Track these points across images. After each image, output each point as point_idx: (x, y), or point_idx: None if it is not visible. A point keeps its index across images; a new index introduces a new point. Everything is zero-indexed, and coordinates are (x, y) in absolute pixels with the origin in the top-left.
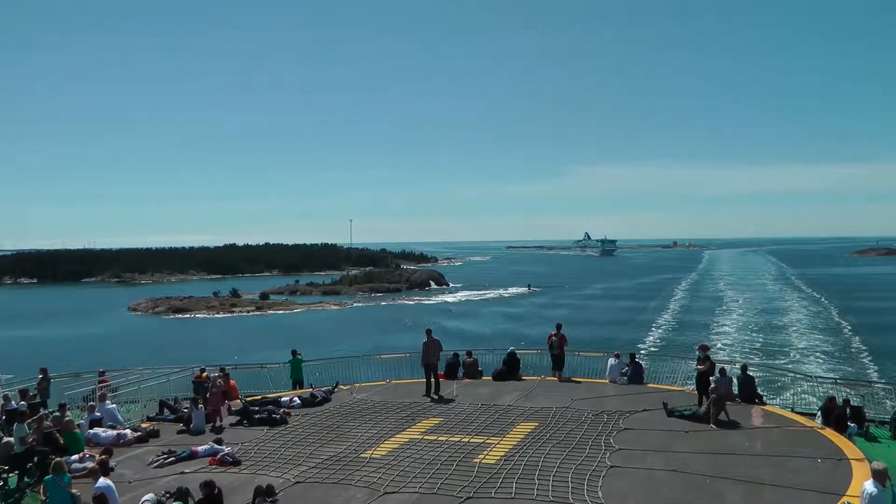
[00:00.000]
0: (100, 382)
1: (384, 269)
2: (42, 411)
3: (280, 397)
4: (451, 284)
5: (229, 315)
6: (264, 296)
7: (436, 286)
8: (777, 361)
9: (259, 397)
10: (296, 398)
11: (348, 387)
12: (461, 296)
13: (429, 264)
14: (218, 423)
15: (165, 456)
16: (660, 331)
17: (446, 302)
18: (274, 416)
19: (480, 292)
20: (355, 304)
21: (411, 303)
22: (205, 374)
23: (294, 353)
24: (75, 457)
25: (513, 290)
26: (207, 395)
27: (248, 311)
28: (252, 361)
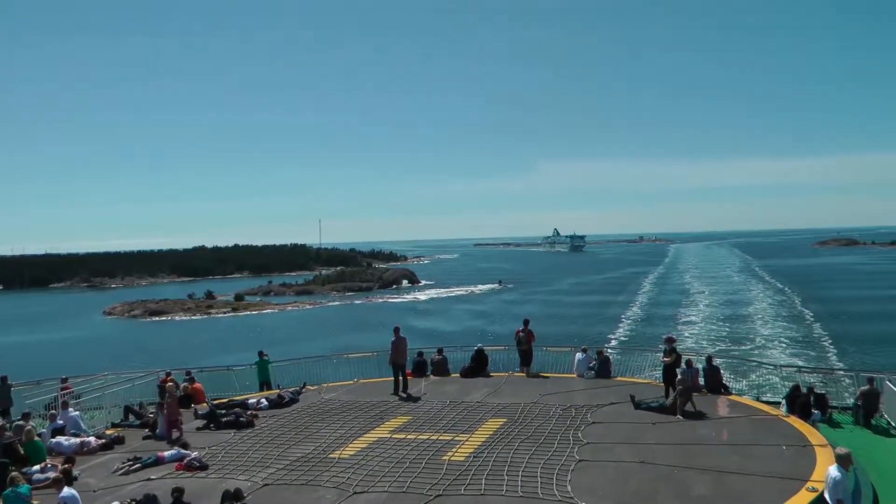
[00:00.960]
0: (62, 389)
1: (356, 269)
2: (1, 421)
3: (247, 399)
4: (422, 282)
5: (206, 317)
6: (239, 297)
7: (408, 284)
8: (742, 351)
9: (226, 400)
10: (263, 400)
11: (316, 387)
12: (433, 293)
13: (398, 263)
14: (176, 436)
15: (131, 462)
16: (627, 324)
17: (418, 299)
18: (241, 418)
19: (452, 289)
20: (330, 304)
21: (384, 301)
22: (170, 378)
23: (261, 354)
24: (37, 467)
25: (483, 287)
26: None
27: (225, 313)
28: (225, 363)
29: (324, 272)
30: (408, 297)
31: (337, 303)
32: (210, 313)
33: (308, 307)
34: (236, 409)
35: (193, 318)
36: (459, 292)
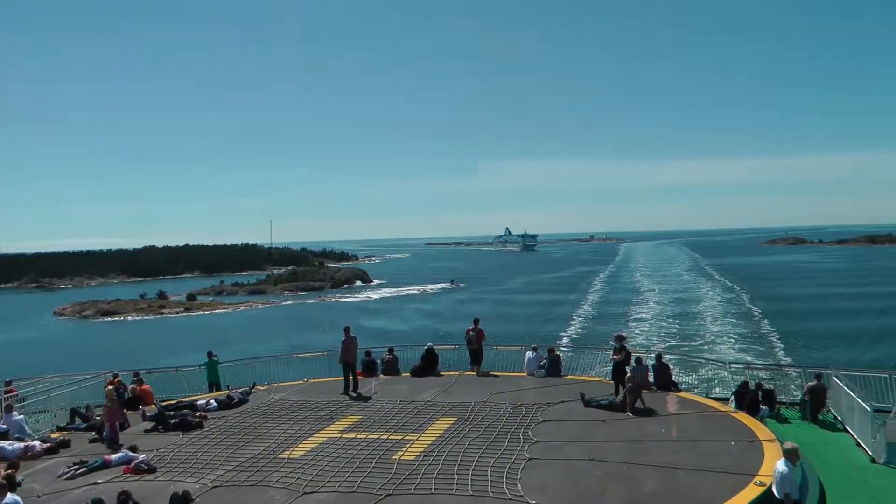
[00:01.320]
0: (6, 392)
1: (309, 268)
2: None
3: (196, 401)
4: (374, 282)
5: (159, 317)
6: (191, 297)
7: (360, 283)
8: (692, 347)
9: (174, 401)
10: (212, 401)
11: (266, 387)
12: (385, 293)
13: (349, 262)
14: (118, 442)
15: (77, 467)
16: (578, 323)
17: (371, 299)
18: (190, 420)
19: (404, 288)
20: (283, 303)
21: (337, 300)
22: (117, 380)
23: (210, 354)
24: None
25: (435, 286)
26: (103, 410)
27: (178, 313)
28: (176, 364)
29: (276, 272)
30: (360, 296)
31: (289, 302)
32: (163, 313)
33: (261, 307)
34: (185, 411)
35: (146, 318)
36: (411, 291)
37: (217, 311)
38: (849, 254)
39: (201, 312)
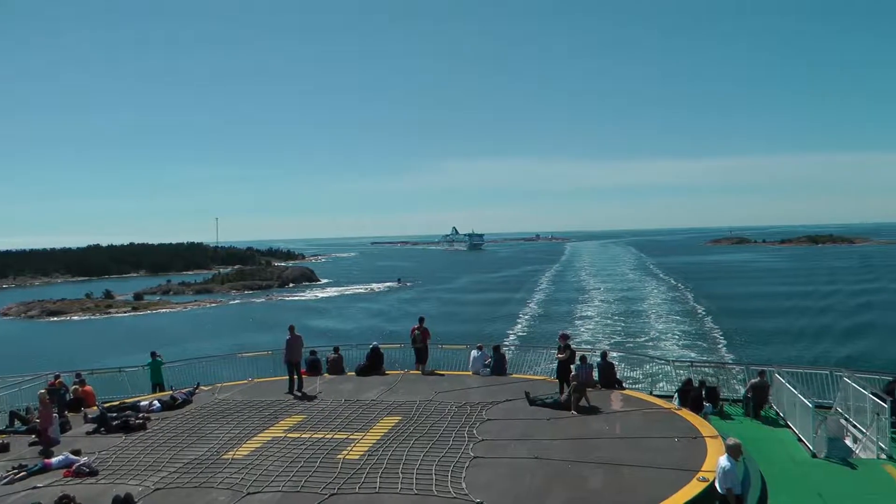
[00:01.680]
0: None
1: (256, 267)
2: None
3: (139, 401)
4: (321, 280)
5: (106, 316)
6: (138, 296)
7: (307, 283)
8: (636, 344)
9: (117, 403)
10: (155, 402)
11: (210, 387)
12: (332, 291)
13: (296, 261)
14: (50, 447)
15: (16, 471)
16: (524, 321)
17: (318, 298)
18: (133, 421)
19: (351, 287)
20: (231, 302)
21: (285, 299)
22: (59, 381)
23: (154, 354)
24: None
25: (382, 285)
26: (38, 411)
27: (125, 312)
28: (121, 364)
29: (223, 271)
30: (308, 295)
31: (237, 301)
32: (110, 313)
33: (210, 306)
34: (128, 412)
35: (93, 317)
36: (359, 290)
37: (165, 310)
38: (791, 254)
39: (149, 312)
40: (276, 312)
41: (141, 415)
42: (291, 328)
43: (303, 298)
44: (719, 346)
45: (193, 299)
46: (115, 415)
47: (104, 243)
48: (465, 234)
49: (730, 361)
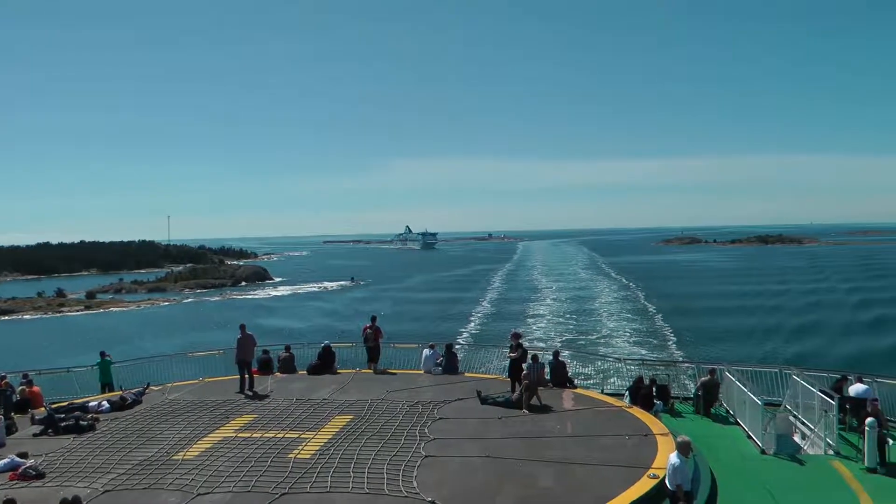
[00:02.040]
0: None
1: (209, 266)
2: None
3: (88, 402)
4: (275, 279)
5: (58, 315)
6: (91, 295)
7: (260, 281)
8: (588, 341)
9: (65, 403)
10: (104, 402)
11: (160, 387)
12: (286, 290)
13: (248, 260)
14: None
15: None
16: (476, 320)
17: (272, 296)
18: (81, 422)
19: (304, 286)
20: (184, 301)
21: (238, 298)
22: (5, 382)
23: (103, 354)
24: None
25: (336, 284)
26: None
27: (78, 311)
28: (70, 364)
29: (176, 269)
30: (261, 294)
31: (191, 300)
32: (62, 312)
33: (162, 304)
34: (76, 413)
35: (44, 316)
36: (312, 289)
37: (118, 309)
38: (741, 253)
39: (101, 311)
40: (230, 311)
41: (90, 416)
42: (242, 327)
43: (256, 297)
44: (670, 344)
45: (146, 298)
46: (63, 416)
47: (54, 241)
48: (418, 234)
49: (680, 359)
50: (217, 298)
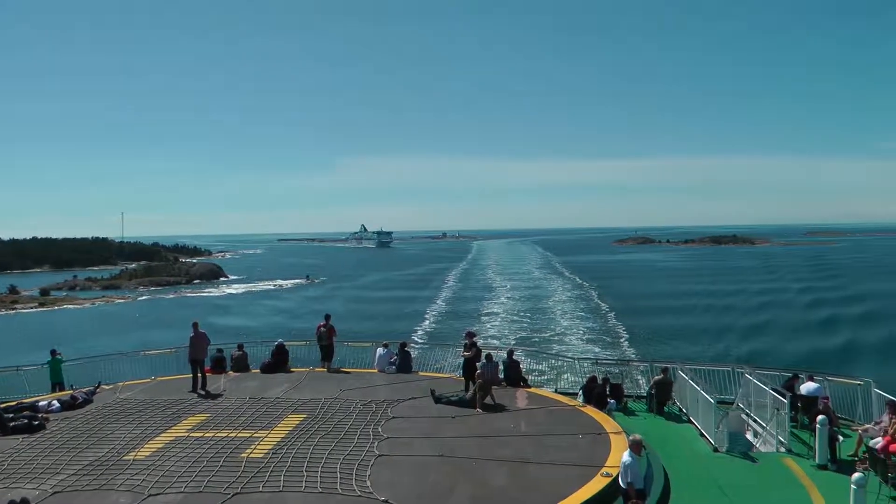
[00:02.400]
0: None
1: (163, 264)
2: None
3: (37, 402)
4: (230, 277)
5: (12, 312)
6: (45, 292)
7: (215, 279)
8: (542, 343)
9: (14, 403)
10: (54, 402)
11: (111, 386)
12: (241, 287)
13: (203, 258)
14: None
15: None
16: (430, 319)
17: (227, 294)
18: (30, 422)
19: (259, 284)
20: (139, 299)
21: (191, 296)
22: None
23: (53, 353)
24: None
25: (290, 282)
26: None
27: (32, 308)
28: (15, 363)
29: (130, 267)
30: (216, 291)
31: (146, 297)
32: (16, 308)
33: (118, 302)
34: (26, 413)
35: None
36: (268, 287)
37: (72, 306)
38: (694, 253)
39: (56, 308)
40: (185, 309)
41: (39, 415)
42: (195, 325)
43: (211, 295)
44: (623, 342)
45: (101, 295)
46: (11, 416)
47: (5, 237)
48: (373, 232)
49: (634, 358)
50: (172, 296)
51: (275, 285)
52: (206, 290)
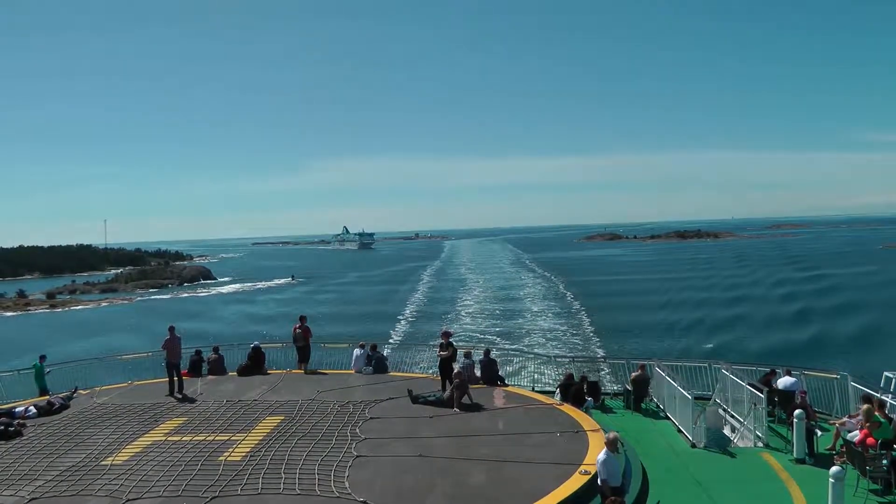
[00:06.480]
0: None
1: (157, 267)
2: None
3: (14, 408)
4: (218, 279)
5: (23, 313)
6: (51, 295)
7: (206, 280)
8: (518, 342)
9: None
10: (31, 407)
11: (88, 391)
12: (232, 288)
13: (185, 262)
14: None
15: None
16: (406, 320)
17: (222, 294)
18: (6, 428)
19: (248, 283)
20: (138, 300)
21: (187, 296)
22: None
23: (42, 358)
24: None
25: (278, 282)
26: None
27: (45, 309)
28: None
29: (122, 271)
30: (211, 291)
31: (145, 298)
32: (28, 310)
33: (121, 303)
34: (2, 419)
35: (7, 314)
36: (259, 286)
37: (79, 307)
38: (661, 248)
39: (66, 309)
40: (189, 306)
41: (16, 421)
42: (171, 329)
43: (205, 294)
44: (600, 340)
45: (103, 297)
46: None
47: None
48: (355, 234)
49: (610, 356)
50: (168, 297)
51: (264, 285)
52: (200, 291)
